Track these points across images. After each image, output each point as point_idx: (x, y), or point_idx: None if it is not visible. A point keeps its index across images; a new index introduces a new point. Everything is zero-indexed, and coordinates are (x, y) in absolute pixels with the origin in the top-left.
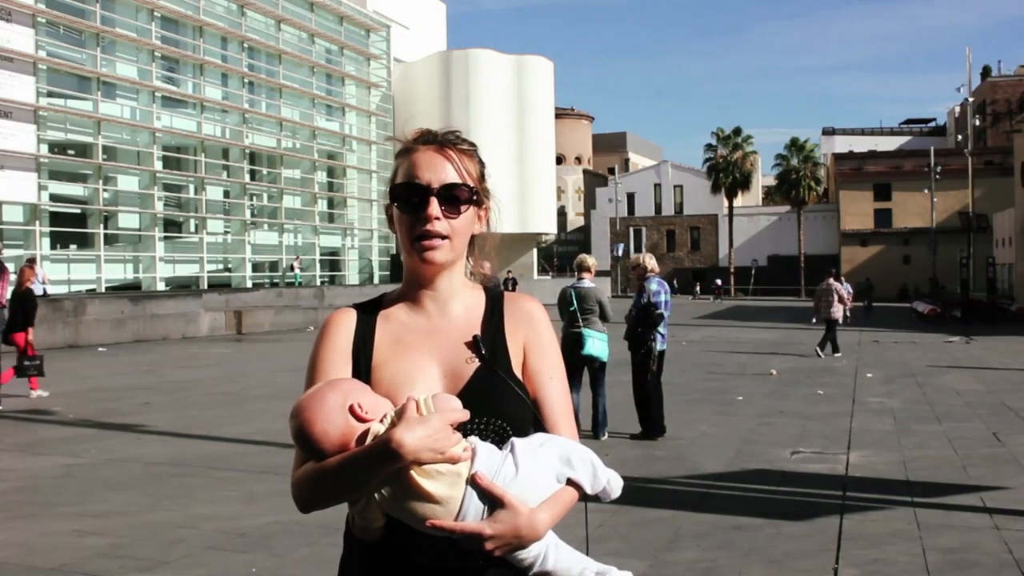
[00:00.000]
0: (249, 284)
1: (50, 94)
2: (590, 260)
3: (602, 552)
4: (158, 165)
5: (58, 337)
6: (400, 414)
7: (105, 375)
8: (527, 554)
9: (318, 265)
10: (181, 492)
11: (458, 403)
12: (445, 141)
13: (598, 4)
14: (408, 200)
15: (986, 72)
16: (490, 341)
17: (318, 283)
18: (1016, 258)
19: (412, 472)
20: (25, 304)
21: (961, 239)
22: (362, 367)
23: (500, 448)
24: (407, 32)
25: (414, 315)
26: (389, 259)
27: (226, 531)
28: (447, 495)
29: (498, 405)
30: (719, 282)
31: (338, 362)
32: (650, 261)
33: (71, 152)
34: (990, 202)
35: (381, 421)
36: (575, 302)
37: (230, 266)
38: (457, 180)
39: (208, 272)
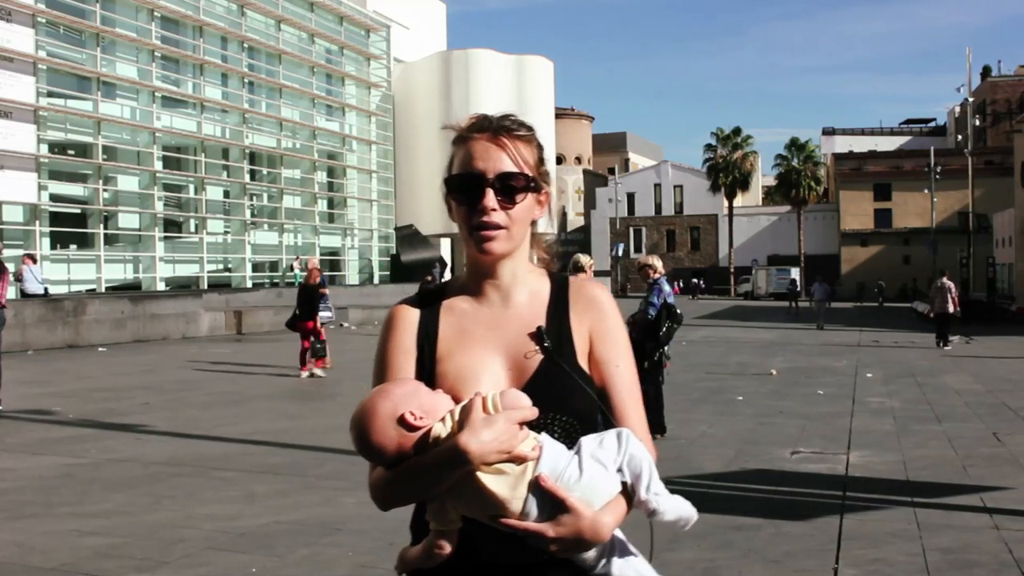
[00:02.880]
0: (249, 284)
1: (50, 94)
2: (585, 260)
3: None
4: (158, 165)
5: (58, 337)
6: (465, 412)
7: (105, 375)
8: (590, 555)
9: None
10: (181, 492)
11: (527, 400)
12: (500, 128)
13: (598, 4)
14: (464, 191)
15: (986, 72)
16: (555, 332)
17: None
18: (1016, 258)
19: (477, 472)
20: (312, 297)
21: (961, 239)
22: (426, 361)
23: (568, 445)
24: (407, 32)
25: (478, 305)
26: (389, 259)
27: (226, 531)
28: (510, 495)
29: (564, 400)
30: (695, 280)
31: (401, 359)
32: (658, 262)
33: (71, 152)
34: (990, 202)
35: (442, 420)
36: None
37: (230, 266)
38: (513, 169)
39: (208, 272)
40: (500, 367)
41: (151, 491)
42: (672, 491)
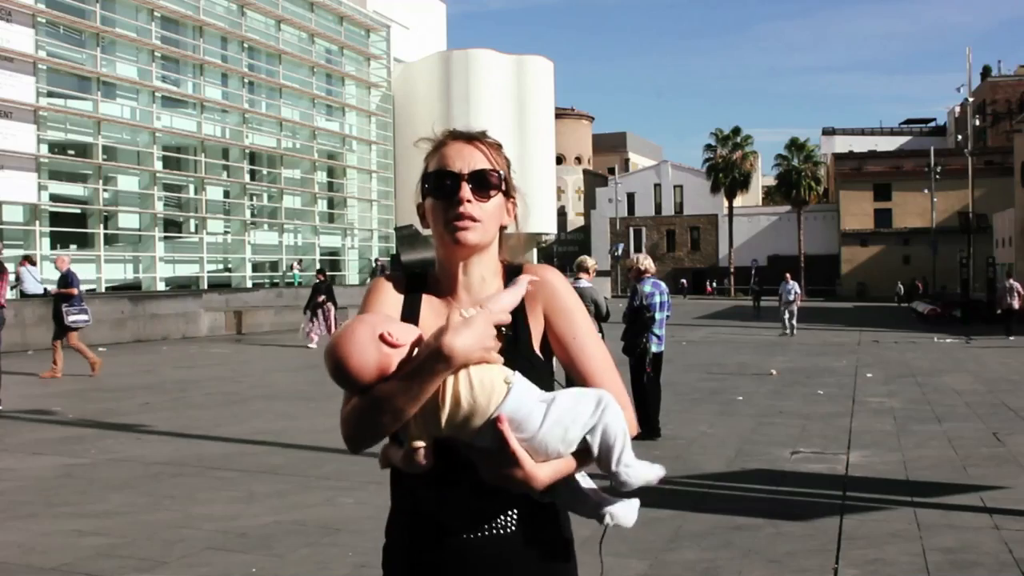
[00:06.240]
0: (249, 284)
1: (50, 94)
2: (589, 261)
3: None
4: (158, 165)
5: None
6: (442, 329)
7: (105, 375)
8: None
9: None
10: (181, 492)
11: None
12: (473, 136)
13: (598, 4)
14: (441, 186)
15: (986, 72)
16: (512, 320)
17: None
18: (1016, 258)
19: (441, 395)
20: None
21: (961, 239)
22: None
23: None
24: (407, 32)
25: (451, 306)
26: (389, 259)
27: (226, 531)
28: (473, 421)
29: None
30: (684, 282)
31: (385, 310)
32: (645, 262)
33: (71, 152)
34: (990, 202)
35: (414, 345)
36: None
37: (230, 266)
38: (487, 166)
39: (208, 272)
40: None
41: (151, 491)
42: (672, 491)
